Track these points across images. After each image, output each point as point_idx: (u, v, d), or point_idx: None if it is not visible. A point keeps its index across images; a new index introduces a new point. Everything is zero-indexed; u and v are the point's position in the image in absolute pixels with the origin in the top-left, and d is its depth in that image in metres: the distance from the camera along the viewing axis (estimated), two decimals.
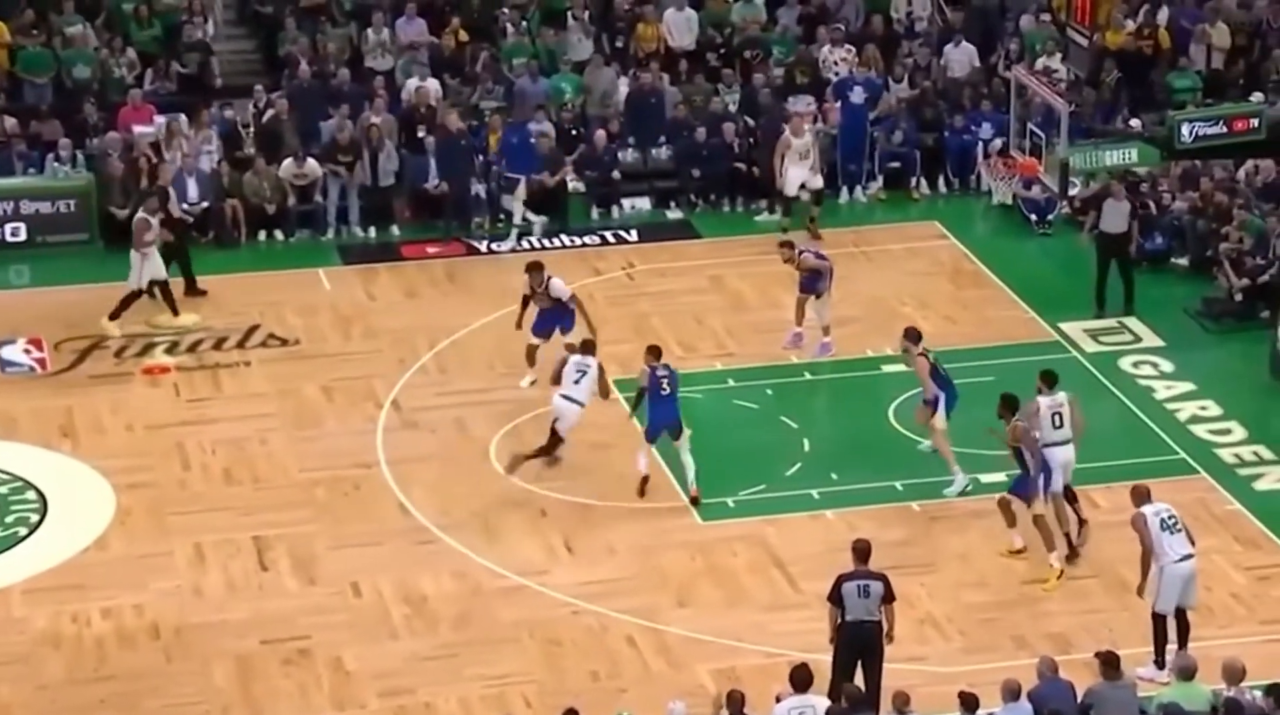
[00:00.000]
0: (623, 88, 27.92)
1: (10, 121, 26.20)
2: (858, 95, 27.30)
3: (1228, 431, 20.85)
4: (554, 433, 19.73)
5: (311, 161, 25.99)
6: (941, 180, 27.53)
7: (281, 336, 23.11)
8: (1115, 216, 23.36)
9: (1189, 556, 16.56)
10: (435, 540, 18.95)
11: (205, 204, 25.42)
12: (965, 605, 17.79)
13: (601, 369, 19.98)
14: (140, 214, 23.23)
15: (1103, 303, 23.47)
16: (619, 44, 28.84)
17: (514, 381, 21.83)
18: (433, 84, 27.30)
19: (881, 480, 19.78)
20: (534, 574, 18.33)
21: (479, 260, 25.35)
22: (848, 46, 28.25)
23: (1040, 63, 27.13)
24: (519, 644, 17.33)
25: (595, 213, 26.77)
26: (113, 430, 21.09)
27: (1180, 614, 16.67)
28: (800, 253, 22.11)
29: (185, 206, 25.02)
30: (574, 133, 27.23)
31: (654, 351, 19.96)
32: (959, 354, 21.37)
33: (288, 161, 25.98)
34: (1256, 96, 26.63)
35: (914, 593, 17.64)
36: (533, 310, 21.65)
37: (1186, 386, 21.82)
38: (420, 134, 26.58)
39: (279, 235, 25.97)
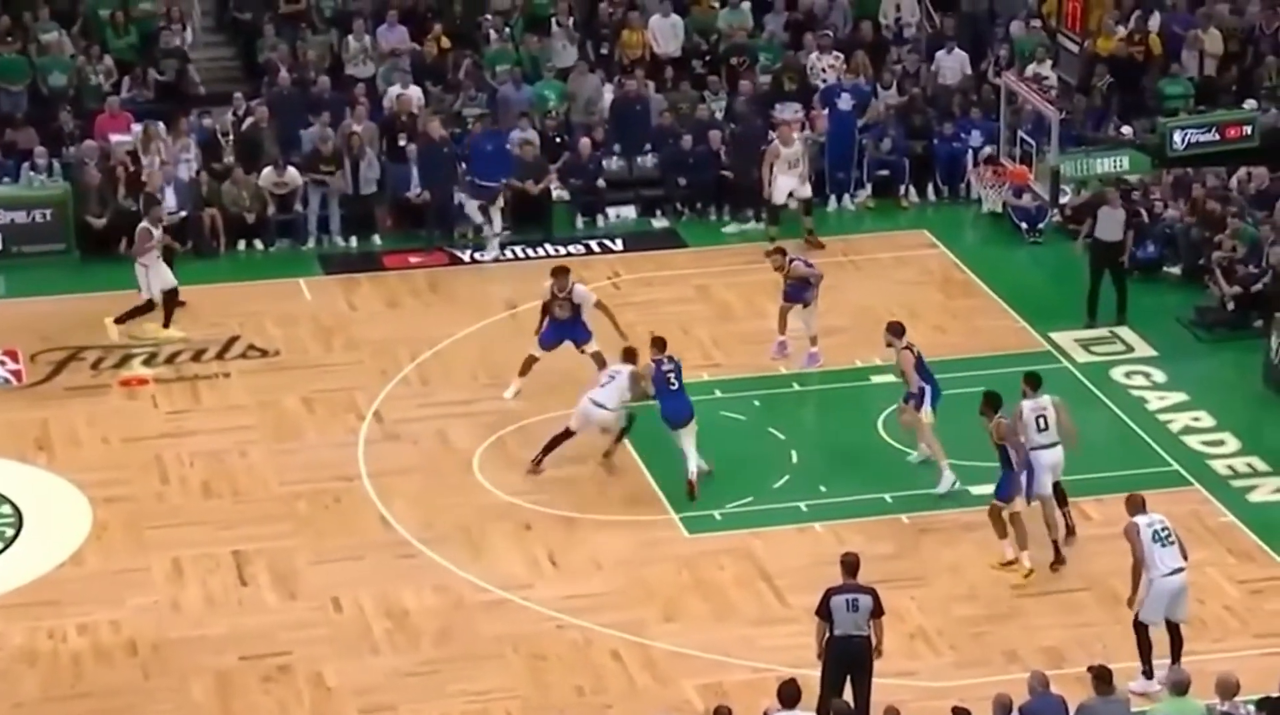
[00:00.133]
0: (607, 95, 27.92)
1: None
2: (845, 102, 27.32)
3: (1221, 443, 20.87)
4: (568, 430, 19.95)
5: (292, 170, 25.97)
6: (931, 188, 27.55)
7: (261, 347, 23.09)
8: (1110, 224, 23.39)
9: (1179, 570, 16.56)
10: (417, 554, 18.92)
11: (184, 213, 25.38)
12: (956, 619, 17.79)
13: (635, 376, 19.92)
14: (143, 224, 23.24)
15: (1094, 312, 23.50)
16: (603, 51, 28.84)
17: (498, 392, 21.80)
18: (415, 91, 27.29)
19: (870, 492, 19.78)
20: (518, 588, 18.31)
21: (462, 270, 25.34)
22: (836, 53, 28.27)
23: (1030, 69, 27.16)
24: (502, 659, 17.31)
25: (580, 222, 26.77)
26: (89, 443, 21.05)
27: (1173, 628, 16.68)
28: (791, 261, 22.15)
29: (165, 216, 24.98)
30: (558, 141, 27.22)
31: (658, 344, 20.03)
32: (949, 364, 21.37)
33: (267, 170, 25.96)
34: (1249, 103, 26.68)
35: (904, 606, 17.64)
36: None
37: (1179, 397, 21.85)
38: (402, 142, 26.58)
39: (259, 245, 25.93)
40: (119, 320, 23.01)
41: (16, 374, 22.53)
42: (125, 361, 22.75)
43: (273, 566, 18.65)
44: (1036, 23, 28.83)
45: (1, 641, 17.62)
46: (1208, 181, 25.43)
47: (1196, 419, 21.37)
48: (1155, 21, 29.05)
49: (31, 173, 25.75)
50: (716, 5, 29.33)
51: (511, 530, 19.28)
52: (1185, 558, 16.66)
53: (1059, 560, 18.39)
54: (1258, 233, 23.95)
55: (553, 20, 28.85)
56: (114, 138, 26.15)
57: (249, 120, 26.69)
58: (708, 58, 28.75)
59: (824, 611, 15.76)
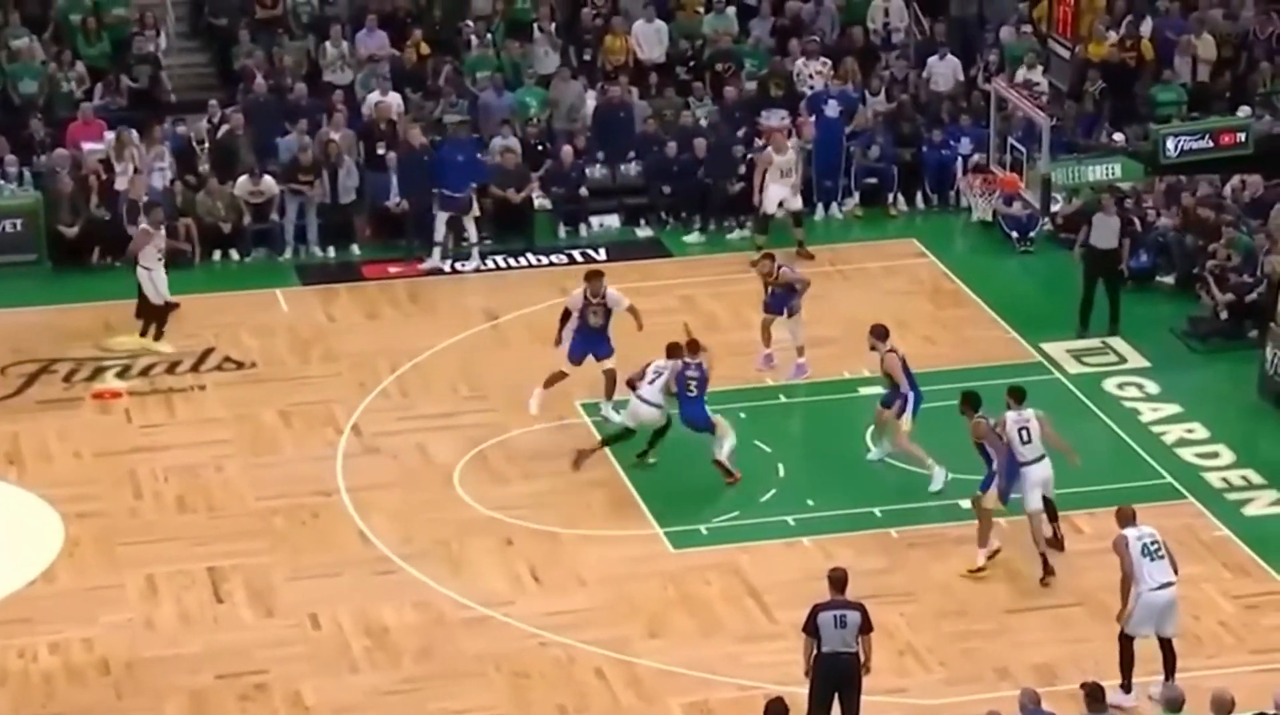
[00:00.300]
0: (590, 102, 27.95)
1: None
2: (832, 109, 27.38)
3: (1215, 455, 20.91)
4: (623, 427, 20.16)
5: (268, 179, 25.96)
6: (920, 196, 27.61)
7: (237, 359, 23.07)
8: (1105, 231, 23.44)
9: (1168, 585, 16.56)
10: (397, 570, 18.91)
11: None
12: (946, 635, 17.81)
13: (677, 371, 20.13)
14: (142, 225, 23.22)
15: (1087, 321, 23.55)
16: (586, 57, 28.88)
17: (479, 405, 21.82)
18: (394, 98, 27.30)
19: (859, 506, 19.80)
20: (500, 604, 18.30)
21: (442, 280, 25.34)
22: (823, 59, 28.33)
23: (1021, 75, 27.24)
24: (484, 677, 17.29)
25: (562, 231, 26.79)
26: (60, 457, 21.01)
27: (1164, 643, 16.69)
28: (779, 267, 22.21)
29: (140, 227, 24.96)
30: (540, 148, 27.25)
31: (692, 347, 20.17)
32: (938, 376, 21.40)
33: (243, 179, 25.95)
34: (1243, 110, 26.77)
35: (893, 622, 17.65)
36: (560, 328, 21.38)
37: (1173, 408, 21.89)
38: (381, 150, 26.57)
39: (234, 255, 25.92)
40: (156, 337, 23.02)
41: None
42: (98, 374, 22.73)
43: (249, 583, 18.63)
44: (1027, 28, 28.89)
45: None
46: (1199, 189, 25.49)
47: (1190, 431, 21.41)
48: (1147, 26, 29.13)
49: (2, 182, 25.73)
50: (701, 10, 29.37)
51: (493, 545, 19.27)
52: (1175, 572, 16.67)
53: (1048, 573, 18.43)
54: (1252, 241, 24.00)
55: (534, 26, 28.88)
56: (86, 146, 26.14)
57: (224, 128, 26.69)
58: (692, 64, 28.80)
59: (811, 628, 15.76)
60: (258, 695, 17.05)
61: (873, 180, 27.48)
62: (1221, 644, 17.67)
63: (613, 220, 27.02)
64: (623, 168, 27.44)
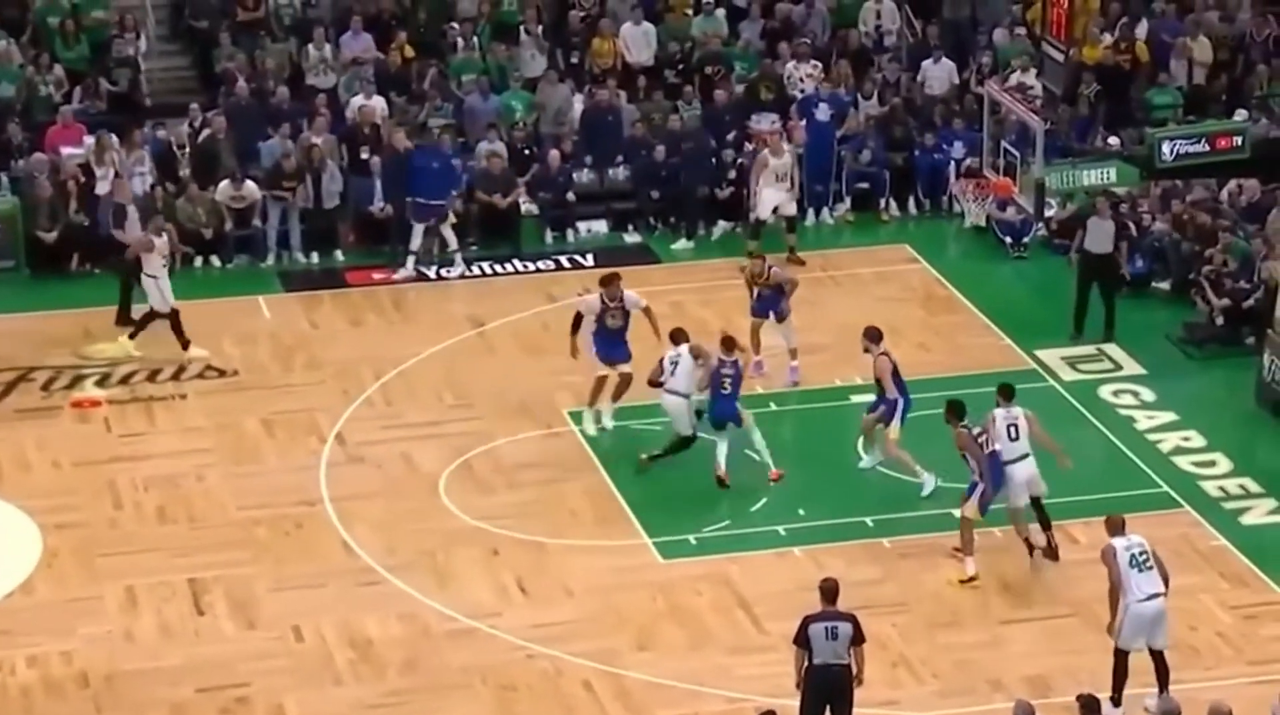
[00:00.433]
0: (577, 105, 27.96)
1: None
2: (823, 112, 27.40)
3: (1212, 463, 20.95)
4: (678, 437, 20.27)
5: (250, 184, 25.95)
6: (912, 201, 27.64)
7: (219, 367, 23.06)
8: (1099, 235, 23.48)
9: (1157, 596, 16.55)
10: (381, 581, 18.90)
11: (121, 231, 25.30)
12: (939, 646, 17.82)
13: (695, 351, 20.32)
14: (144, 233, 23.20)
15: (1081, 326, 23.59)
16: (573, 60, 28.90)
17: (465, 413, 21.83)
18: (378, 102, 27.30)
19: (850, 516, 19.82)
20: (486, 616, 18.29)
21: (427, 287, 25.34)
22: (814, 62, 28.36)
23: (1014, 78, 27.27)
24: (470, 690, 17.29)
25: (549, 236, 26.80)
26: (39, 467, 20.99)
27: (1156, 655, 16.68)
28: (770, 267, 22.28)
29: (115, 231, 24.92)
30: (526, 153, 27.25)
31: (727, 344, 20.34)
32: (931, 383, 21.42)
33: (224, 184, 25.94)
34: (1240, 113, 26.81)
35: (885, 634, 17.66)
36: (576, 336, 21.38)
37: (1169, 416, 21.93)
38: (365, 155, 26.57)
39: (216, 261, 25.90)
40: (184, 346, 23.03)
41: None
42: (77, 382, 22.71)
43: (231, 595, 18.61)
44: (1020, 30, 28.95)
45: None
46: (1192, 194, 25.50)
47: (1187, 439, 21.44)
48: (1143, 29, 29.19)
49: None
50: (690, 12, 29.40)
51: (479, 556, 19.27)
52: (1166, 583, 16.64)
53: (1033, 553, 18.61)
54: (1249, 246, 24.05)
55: (521, 28, 28.89)
56: (65, 150, 26.13)
57: (205, 132, 26.67)
58: (681, 66, 28.81)
59: (802, 639, 15.77)
60: (239, 709, 17.03)
61: (864, 185, 27.51)
62: (1219, 655, 17.69)
63: (600, 226, 27.03)
64: (610, 172, 27.44)
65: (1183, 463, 20.96)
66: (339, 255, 26.21)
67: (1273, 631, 18.04)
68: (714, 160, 27.08)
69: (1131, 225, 25.09)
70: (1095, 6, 29.21)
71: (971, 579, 18.58)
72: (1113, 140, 26.72)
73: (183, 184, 25.99)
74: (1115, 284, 23.85)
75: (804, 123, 27.27)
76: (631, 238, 26.85)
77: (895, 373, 20.07)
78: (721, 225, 26.75)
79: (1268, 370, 21.94)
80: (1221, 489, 20.45)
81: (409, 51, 28.22)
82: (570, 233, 26.84)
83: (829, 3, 29.62)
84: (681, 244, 26.48)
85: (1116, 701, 16.57)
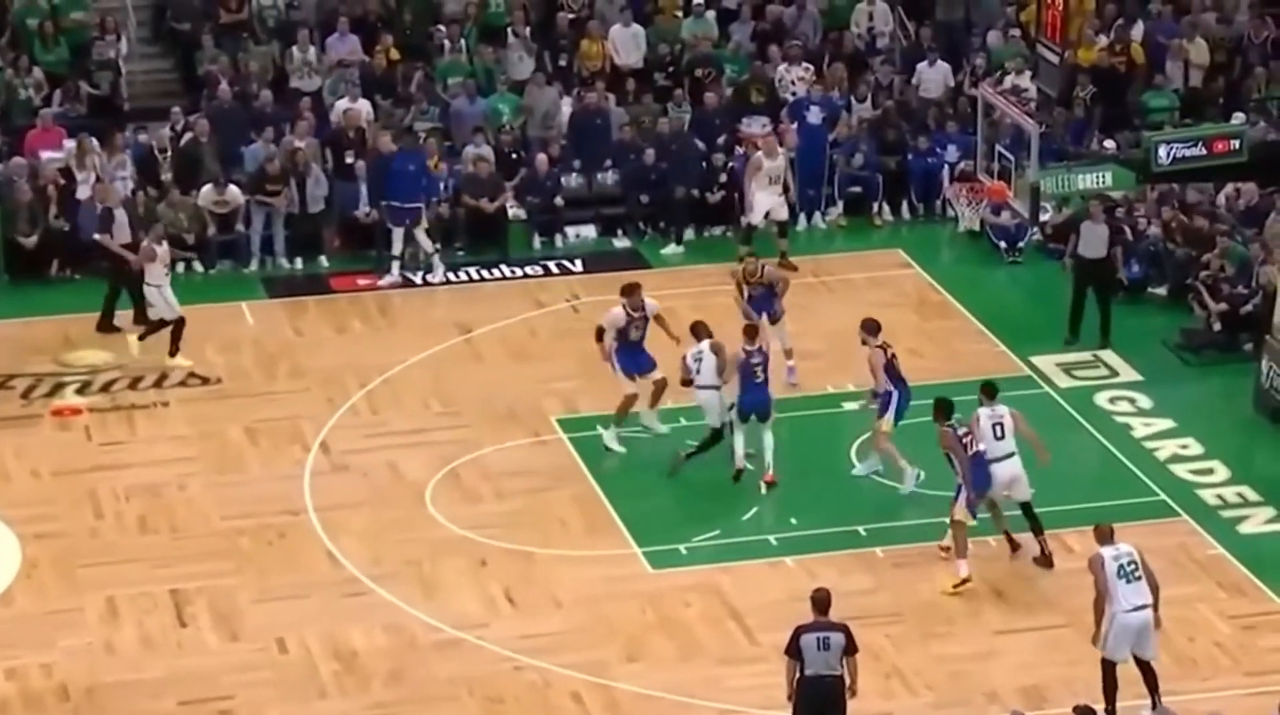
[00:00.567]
0: (566, 108, 27.97)
1: None
2: (815, 116, 27.43)
3: (1210, 471, 20.97)
4: (710, 431, 20.39)
5: (233, 188, 25.94)
6: (905, 206, 27.68)
7: (202, 375, 23.05)
8: (1093, 240, 23.51)
9: (1143, 607, 16.55)
10: (367, 592, 18.89)
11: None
12: (933, 657, 17.83)
13: (715, 347, 20.42)
14: (145, 243, 23.21)
15: (1077, 330, 23.62)
16: (561, 62, 28.90)
17: (452, 421, 21.85)
18: (363, 105, 27.30)
19: (843, 525, 19.83)
20: (473, 627, 18.29)
21: (413, 293, 25.34)
22: (805, 64, 28.39)
23: (1009, 81, 27.28)
24: (457, 702, 17.28)
25: (537, 242, 26.80)
26: (18, 476, 20.97)
27: (1144, 666, 16.68)
28: (763, 265, 22.34)
29: (97, 236, 24.89)
30: (514, 156, 27.25)
31: (749, 333, 20.43)
32: (925, 389, 21.36)
33: (207, 188, 25.93)
34: (1237, 116, 26.85)
35: (878, 644, 17.67)
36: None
37: (1166, 423, 21.95)
38: (350, 159, 26.56)
39: (198, 267, 25.89)
40: (171, 353, 23.03)
41: None
42: (57, 390, 22.69)
43: (214, 606, 18.60)
44: (1015, 32, 28.98)
45: None
46: (1186, 198, 25.51)
47: (1184, 446, 21.47)
48: (1138, 30, 29.23)
49: None
50: (680, 14, 29.42)
51: (466, 566, 19.26)
52: (1155, 594, 16.62)
53: (1015, 549, 18.91)
54: (1247, 251, 24.08)
55: (508, 30, 28.90)
56: (45, 154, 26.11)
57: (187, 136, 26.66)
58: (671, 69, 28.83)
59: (794, 650, 15.78)
60: None
61: (857, 189, 27.53)
62: (1217, 666, 17.71)
63: (589, 230, 27.04)
64: (599, 176, 27.45)
65: (1180, 470, 20.99)
66: (323, 261, 26.21)
67: (1271, 642, 18.06)
68: (705, 164, 27.10)
69: (1127, 229, 25.12)
70: (1090, 8, 29.24)
71: (964, 581, 18.61)
72: (1108, 144, 26.76)
73: (164, 189, 25.97)
74: (1110, 289, 23.89)
75: (795, 126, 27.29)
76: (621, 243, 26.86)
77: (889, 366, 20.12)
78: (712, 230, 26.77)
79: (1266, 376, 21.97)
80: (1219, 497, 20.48)
81: (394, 54, 28.22)
82: (558, 238, 26.85)
83: (820, 4, 29.66)
84: (671, 249, 26.49)
85: (1110, 714, 16.57)
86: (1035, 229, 25.87)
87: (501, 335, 24.05)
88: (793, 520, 19.94)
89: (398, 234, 25.36)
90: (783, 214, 25.75)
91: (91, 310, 24.05)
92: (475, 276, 25.76)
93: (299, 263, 26.15)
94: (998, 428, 18.82)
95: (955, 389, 21.05)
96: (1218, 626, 18.24)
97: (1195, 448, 21.41)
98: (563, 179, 27.17)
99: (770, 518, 19.99)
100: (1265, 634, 18.19)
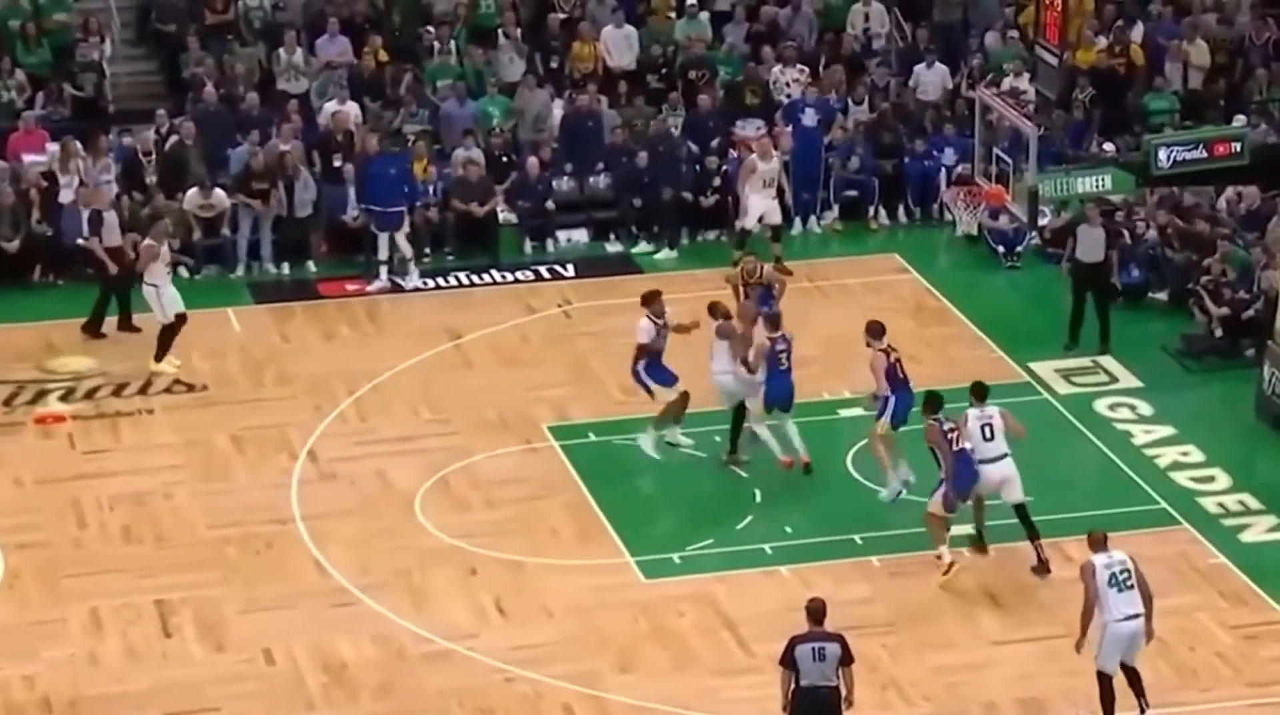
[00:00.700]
0: (557, 111, 28.00)
1: None
2: (810, 118, 27.46)
3: (1211, 479, 21.00)
4: (737, 409, 20.76)
5: (219, 192, 25.95)
6: (902, 210, 27.72)
7: (187, 382, 23.05)
8: (1090, 244, 23.54)
9: (1135, 616, 16.53)
10: (355, 602, 18.89)
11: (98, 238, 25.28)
12: (930, 668, 17.85)
13: (724, 329, 20.70)
14: (147, 241, 23.22)
15: (1077, 335, 23.66)
16: (553, 64, 28.93)
17: (441, 429, 21.86)
18: (351, 108, 27.32)
19: (839, 533, 19.85)
20: (463, 638, 18.30)
21: (401, 299, 25.36)
22: (800, 66, 28.42)
23: (1007, 83, 27.32)
24: (447, 714, 17.28)
25: (529, 246, 26.83)
26: (0, 485, 20.94)
27: (1130, 671, 16.65)
28: (760, 265, 22.40)
29: (80, 241, 24.91)
30: (504, 160, 27.28)
31: (773, 322, 20.58)
32: (921, 396, 21.41)
33: (193, 192, 25.93)
34: (1239, 119, 26.90)
35: (875, 655, 17.69)
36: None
37: (1166, 430, 21.98)
38: (338, 162, 26.57)
39: (184, 272, 25.86)
40: (158, 358, 23.00)
41: None
42: (40, 397, 22.69)
43: (199, 617, 18.59)
44: (1013, 33, 29.03)
45: None
46: (1183, 201, 25.55)
47: (1185, 454, 21.50)
48: (1138, 32, 29.27)
49: None
50: (673, 15, 29.46)
51: (456, 576, 19.27)
52: (1149, 604, 16.61)
53: (982, 549, 19.10)
54: (1249, 256, 24.12)
55: (499, 31, 28.95)
56: (27, 158, 26.12)
57: (172, 139, 26.67)
58: (664, 71, 28.86)
59: (789, 661, 15.79)
60: None
61: (853, 193, 27.57)
62: (1218, 676, 17.73)
63: (581, 235, 27.07)
64: (591, 180, 27.48)
65: (1181, 478, 21.01)
66: (311, 266, 26.22)
67: (1273, 652, 18.08)
68: (698, 167, 27.13)
69: (1126, 233, 25.16)
70: (1089, 9, 29.30)
71: (951, 565, 18.79)
72: (1108, 146, 26.82)
73: (149, 193, 25.97)
74: (1109, 294, 23.91)
75: (790, 129, 27.33)
76: (613, 247, 26.88)
77: (890, 370, 20.08)
78: (706, 234, 26.80)
79: (1268, 383, 22.01)
80: (1220, 505, 20.50)
81: (383, 55, 28.25)
82: (550, 242, 26.87)
83: (815, 5, 29.71)
84: (664, 254, 26.52)
85: None
86: (1034, 233, 25.91)
87: (492, 341, 24.07)
88: (787, 529, 19.95)
89: (383, 239, 25.38)
90: (776, 218, 25.78)
91: (75, 316, 24.05)
92: (465, 281, 25.78)
93: (286, 268, 26.15)
94: (987, 429, 18.90)
95: (952, 396, 21.04)
96: (1219, 636, 18.26)
97: (1196, 455, 21.44)
98: (554, 183, 27.20)
99: (765, 526, 20.00)
100: (1267, 644, 18.21)
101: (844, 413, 21.82)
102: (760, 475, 20.88)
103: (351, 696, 17.54)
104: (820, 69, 28.68)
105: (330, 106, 27.28)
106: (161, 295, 23.09)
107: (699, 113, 27.81)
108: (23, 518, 20.27)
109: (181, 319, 23.21)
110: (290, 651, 18.09)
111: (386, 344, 24.04)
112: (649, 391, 21.05)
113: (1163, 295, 24.91)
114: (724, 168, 26.98)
